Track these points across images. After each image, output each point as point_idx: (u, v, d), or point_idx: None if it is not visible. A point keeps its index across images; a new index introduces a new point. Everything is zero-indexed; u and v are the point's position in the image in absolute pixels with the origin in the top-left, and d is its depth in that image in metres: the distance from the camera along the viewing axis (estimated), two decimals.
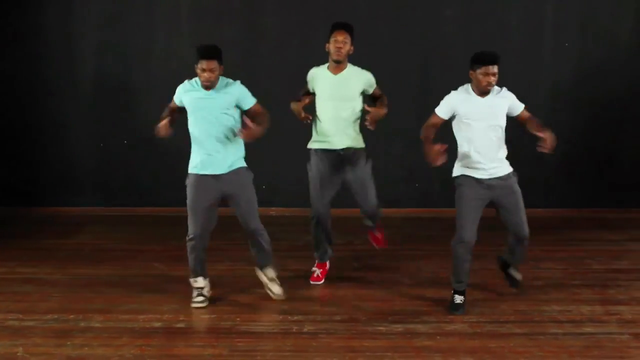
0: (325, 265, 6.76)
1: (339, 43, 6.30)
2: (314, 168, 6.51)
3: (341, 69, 6.41)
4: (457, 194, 5.97)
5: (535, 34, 9.25)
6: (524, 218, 6.02)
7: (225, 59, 8.96)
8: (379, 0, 9.20)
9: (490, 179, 5.92)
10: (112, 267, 7.12)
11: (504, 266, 6.24)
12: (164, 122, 5.90)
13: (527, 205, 9.24)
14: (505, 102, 5.91)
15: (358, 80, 6.43)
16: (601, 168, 9.40)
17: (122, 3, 9.20)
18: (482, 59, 5.79)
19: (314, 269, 6.75)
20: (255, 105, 6.09)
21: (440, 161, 5.69)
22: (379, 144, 9.04)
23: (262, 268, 6.32)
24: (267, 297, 6.32)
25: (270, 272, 6.32)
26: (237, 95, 6.02)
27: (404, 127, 9.03)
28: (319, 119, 6.47)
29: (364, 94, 6.50)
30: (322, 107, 6.44)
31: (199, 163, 6.02)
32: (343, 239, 7.81)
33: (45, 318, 5.83)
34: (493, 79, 5.79)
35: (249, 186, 6.11)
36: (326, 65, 6.49)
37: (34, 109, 9.27)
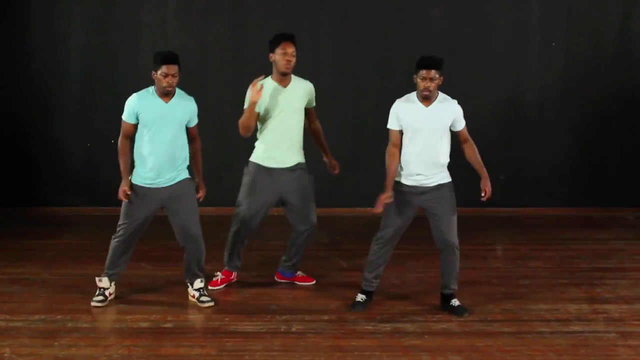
0: (232, 275, 6.56)
1: (288, 56, 6.13)
2: (253, 180, 6.28)
3: (288, 81, 6.25)
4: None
5: (521, 33, 9.27)
6: (452, 227, 5.84)
7: (212, 58, 9.01)
8: (365, 0, 9.19)
9: (420, 187, 5.81)
10: (99, 267, 7.06)
11: (444, 300, 6.00)
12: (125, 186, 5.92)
13: (515, 205, 9.39)
14: (449, 113, 5.76)
15: (304, 91, 6.31)
16: (588, 167, 9.43)
17: (108, 3, 9.16)
18: (420, 63, 5.67)
19: (217, 273, 6.54)
20: (194, 126, 6.09)
21: (380, 209, 5.74)
22: (364, 146, 9.04)
23: (193, 281, 6.19)
24: (255, 297, 6.31)
25: (199, 284, 6.18)
26: (192, 112, 6.04)
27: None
28: (266, 134, 6.25)
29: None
30: (273, 121, 6.21)
31: (146, 177, 5.95)
32: (330, 239, 7.81)
33: (33, 318, 5.80)
34: (430, 84, 5.63)
35: (190, 195, 6.06)
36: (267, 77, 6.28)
37: (21, 109, 9.23)
